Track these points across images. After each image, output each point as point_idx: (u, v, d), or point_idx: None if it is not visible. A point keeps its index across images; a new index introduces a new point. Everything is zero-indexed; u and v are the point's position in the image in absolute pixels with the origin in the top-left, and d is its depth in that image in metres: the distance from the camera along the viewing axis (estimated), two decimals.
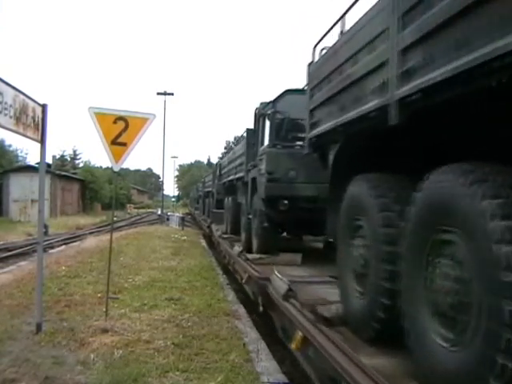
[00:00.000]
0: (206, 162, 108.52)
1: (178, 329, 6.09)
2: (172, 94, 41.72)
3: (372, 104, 3.68)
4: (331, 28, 5.09)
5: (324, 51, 5.48)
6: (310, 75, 5.88)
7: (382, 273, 3.50)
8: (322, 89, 5.31)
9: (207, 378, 4.50)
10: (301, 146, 8.26)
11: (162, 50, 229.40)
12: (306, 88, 8.33)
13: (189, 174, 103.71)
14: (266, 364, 5.07)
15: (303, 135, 8.05)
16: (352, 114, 4.16)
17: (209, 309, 7.25)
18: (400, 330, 3.18)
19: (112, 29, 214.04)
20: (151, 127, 6.63)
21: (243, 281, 8.18)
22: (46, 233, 17.79)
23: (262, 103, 10.45)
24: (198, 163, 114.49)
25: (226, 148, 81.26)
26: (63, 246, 17.73)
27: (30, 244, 17.76)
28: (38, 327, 5.71)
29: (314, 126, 5.61)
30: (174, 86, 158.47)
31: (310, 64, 5.92)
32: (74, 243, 18.95)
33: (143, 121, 6.60)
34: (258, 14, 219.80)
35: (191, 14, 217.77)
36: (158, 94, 41.18)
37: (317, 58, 5.62)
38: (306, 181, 8.37)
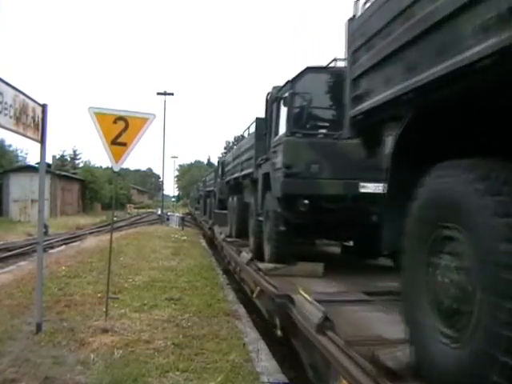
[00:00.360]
0: (206, 162, 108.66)
1: (177, 329, 6.09)
2: (172, 94, 41.72)
3: (483, 47, 2.30)
4: None
5: (368, 4, 4.00)
6: (352, 34, 4.38)
7: (505, 314, 2.16)
8: (373, 47, 3.85)
9: (207, 378, 4.50)
10: (325, 134, 7.33)
11: (162, 50, 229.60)
12: (330, 65, 7.53)
13: (189, 174, 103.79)
14: (266, 364, 5.06)
15: (327, 123, 7.33)
16: (435, 72, 2.71)
17: (209, 309, 7.25)
18: None
19: (112, 29, 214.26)
20: (151, 127, 6.63)
21: (254, 295, 6.90)
22: (45, 233, 17.78)
23: (275, 87, 8.86)
24: (198, 163, 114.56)
25: (225, 148, 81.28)
26: (63, 246, 17.73)
27: (30, 244, 17.77)
28: (38, 327, 5.71)
29: (359, 99, 4.11)
30: (174, 86, 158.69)
31: (350, 19, 4.44)
32: (74, 243, 18.95)
33: (143, 121, 6.59)
34: (258, 14, 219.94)
35: (191, 14, 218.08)
36: (158, 94, 41.18)
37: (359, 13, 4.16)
38: (332, 176, 7.03)
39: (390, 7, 3.51)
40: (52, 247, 17.18)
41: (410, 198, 3.11)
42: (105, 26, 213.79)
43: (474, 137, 2.95)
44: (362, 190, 6.79)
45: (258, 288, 6.63)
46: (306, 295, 4.80)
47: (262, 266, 7.38)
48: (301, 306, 4.70)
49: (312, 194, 7.14)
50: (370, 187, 6.77)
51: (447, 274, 2.68)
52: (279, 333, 5.52)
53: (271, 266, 7.32)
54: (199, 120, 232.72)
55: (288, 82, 7.83)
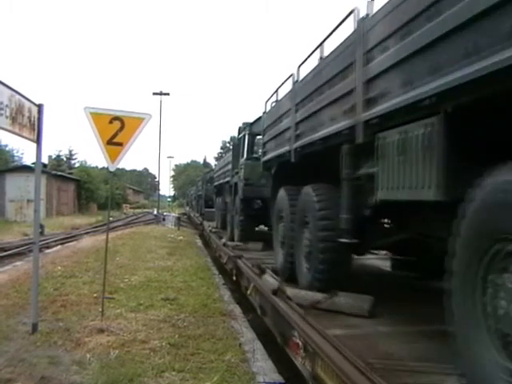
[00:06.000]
0: (202, 162, 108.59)
1: (173, 329, 6.09)
2: (168, 94, 41.81)
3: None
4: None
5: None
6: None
7: None
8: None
9: (203, 378, 4.51)
10: None
11: (158, 50, 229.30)
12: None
13: (185, 174, 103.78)
14: (262, 364, 5.08)
15: None
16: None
17: (205, 309, 7.25)
18: None
19: (108, 29, 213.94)
20: (147, 127, 6.64)
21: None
22: (41, 233, 17.73)
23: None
24: (194, 163, 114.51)
25: (222, 148, 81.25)
26: (59, 246, 17.69)
27: (26, 244, 17.70)
28: (34, 327, 5.70)
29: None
30: (169, 86, 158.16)
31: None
32: (70, 243, 18.91)
33: (139, 121, 6.60)
34: (254, 13, 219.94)
35: (187, 13, 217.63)
36: (154, 94, 41.20)
37: None
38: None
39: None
40: (48, 247, 17.15)
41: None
42: (100, 26, 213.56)
43: None
44: None
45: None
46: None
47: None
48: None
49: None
50: None
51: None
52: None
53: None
54: (195, 120, 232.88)
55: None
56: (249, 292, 6.74)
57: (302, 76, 6.30)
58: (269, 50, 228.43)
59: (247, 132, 11.92)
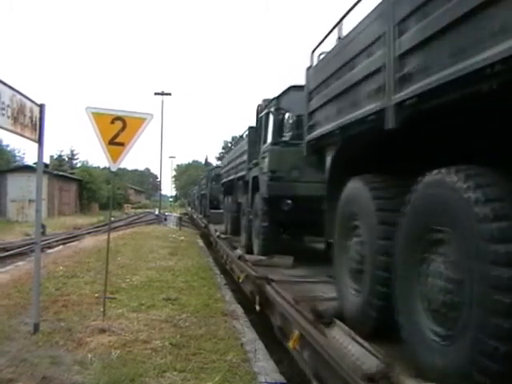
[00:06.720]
0: (203, 162, 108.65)
1: (175, 329, 6.09)
2: (169, 94, 41.67)
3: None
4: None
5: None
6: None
7: None
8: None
9: (204, 378, 4.51)
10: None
11: (160, 50, 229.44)
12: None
13: (186, 174, 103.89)
14: (264, 364, 5.07)
15: None
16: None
17: (206, 309, 7.25)
18: None
19: (109, 28, 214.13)
20: (149, 127, 6.64)
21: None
22: (43, 233, 17.77)
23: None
24: (195, 163, 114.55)
25: (223, 148, 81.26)
26: (61, 246, 17.67)
27: (28, 244, 17.69)
28: (36, 327, 5.71)
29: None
30: (171, 86, 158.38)
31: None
32: (72, 243, 18.90)
33: (141, 121, 6.60)
34: (256, 14, 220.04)
35: (188, 13, 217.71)
36: (156, 94, 41.16)
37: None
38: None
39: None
40: (49, 247, 17.12)
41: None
42: (102, 25, 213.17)
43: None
44: None
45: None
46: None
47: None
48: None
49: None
50: None
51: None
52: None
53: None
54: (197, 120, 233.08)
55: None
56: (290, 344, 4.42)
57: None
58: (269, 49, 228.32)
59: (273, 108, 8.77)
